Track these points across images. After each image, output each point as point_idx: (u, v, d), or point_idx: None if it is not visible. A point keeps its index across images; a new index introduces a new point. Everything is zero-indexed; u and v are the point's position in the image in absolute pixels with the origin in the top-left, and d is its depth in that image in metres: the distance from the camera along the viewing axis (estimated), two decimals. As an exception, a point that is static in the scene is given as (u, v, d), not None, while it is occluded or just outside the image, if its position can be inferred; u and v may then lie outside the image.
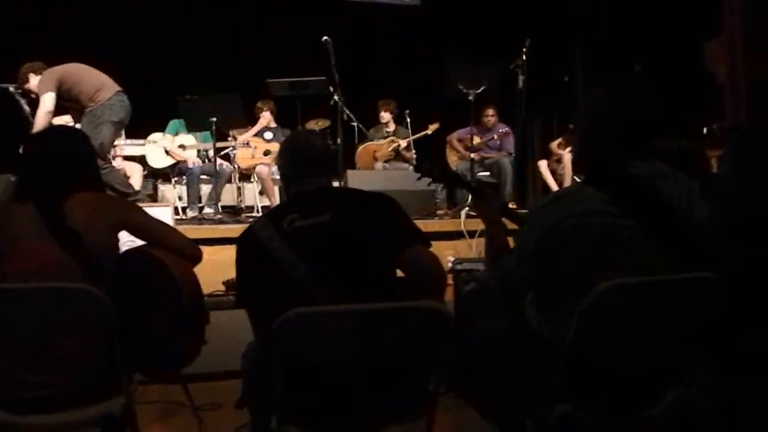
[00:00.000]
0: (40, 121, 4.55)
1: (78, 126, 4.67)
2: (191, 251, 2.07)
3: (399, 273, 1.90)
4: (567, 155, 6.49)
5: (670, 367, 1.72)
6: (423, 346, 1.65)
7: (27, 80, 4.79)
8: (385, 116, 6.86)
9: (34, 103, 5.04)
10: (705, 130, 5.41)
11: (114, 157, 5.93)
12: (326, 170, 2.02)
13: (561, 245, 1.66)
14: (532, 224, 1.74)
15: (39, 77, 4.71)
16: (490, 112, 6.81)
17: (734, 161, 2.22)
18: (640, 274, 1.62)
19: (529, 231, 1.74)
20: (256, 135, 6.39)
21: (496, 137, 6.75)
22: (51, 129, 2.58)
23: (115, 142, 5.65)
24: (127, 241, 2.07)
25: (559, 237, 1.66)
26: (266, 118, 6.41)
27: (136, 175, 5.96)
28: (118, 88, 4.80)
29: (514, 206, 6.18)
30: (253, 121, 6.37)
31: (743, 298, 1.79)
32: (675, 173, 1.72)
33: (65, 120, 5.08)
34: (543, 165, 6.82)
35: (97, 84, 4.72)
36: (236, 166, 6.26)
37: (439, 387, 1.76)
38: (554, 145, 6.83)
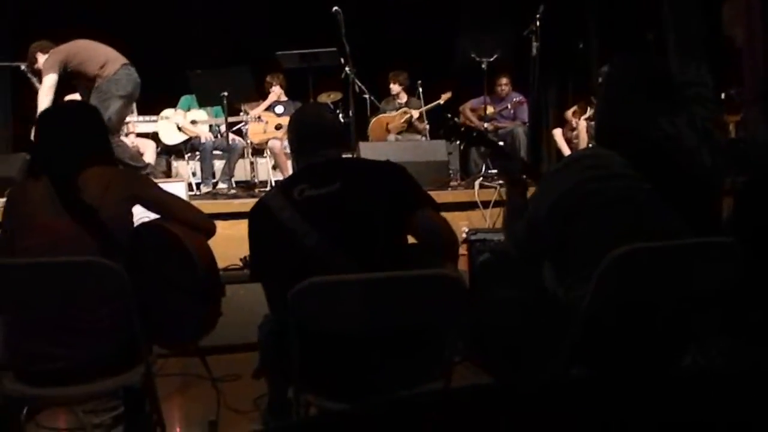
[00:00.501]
0: (41, 101, 4.54)
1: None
2: (206, 224, 2.08)
3: (411, 240, 1.91)
4: (582, 123, 6.41)
5: (686, 331, 1.71)
6: (437, 313, 1.66)
7: (35, 60, 4.77)
8: (395, 88, 6.80)
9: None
10: (723, 95, 5.32)
11: (127, 134, 5.94)
12: (336, 142, 2.02)
13: (578, 208, 1.65)
14: (548, 188, 1.73)
15: (46, 56, 4.71)
16: (504, 80, 6.72)
17: None
18: (659, 238, 1.61)
19: (544, 195, 1.72)
20: (267, 109, 6.37)
21: (509, 106, 6.68)
22: (63, 105, 2.58)
23: (128, 119, 5.66)
24: (142, 217, 2.08)
25: (575, 200, 1.65)
26: (276, 92, 6.38)
27: (149, 152, 5.98)
28: (123, 60, 4.75)
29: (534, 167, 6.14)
30: (264, 95, 6.35)
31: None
32: (695, 129, 1.69)
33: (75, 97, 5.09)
34: (558, 133, 6.75)
35: (103, 59, 4.68)
36: (248, 141, 6.25)
37: (455, 356, 1.77)
38: (569, 113, 6.75)
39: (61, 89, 4.80)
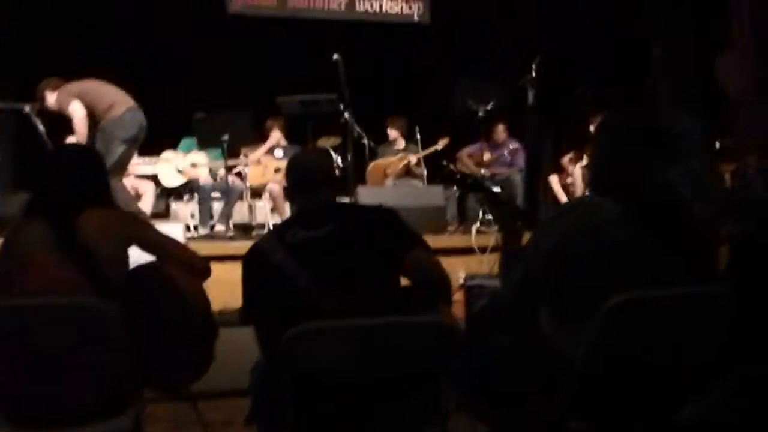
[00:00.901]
0: (80, 129, 4.60)
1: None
2: (201, 267, 2.09)
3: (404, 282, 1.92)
4: (578, 170, 6.47)
5: (685, 382, 1.70)
6: (433, 361, 1.65)
7: (44, 98, 4.80)
8: (393, 133, 6.87)
9: (52, 123, 5.11)
10: (717, 144, 5.39)
11: (126, 175, 5.98)
12: (330, 187, 2.06)
13: (574, 256, 1.65)
14: (544, 235, 1.73)
15: (55, 94, 4.74)
16: (501, 128, 6.81)
17: None
18: (654, 286, 1.61)
19: (540, 242, 1.73)
20: (266, 153, 6.42)
21: (506, 153, 6.75)
22: (63, 146, 2.61)
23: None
24: (138, 258, 2.08)
25: (571, 248, 1.66)
26: (276, 136, 6.45)
27: (148, 193, 5.99)
28: (131, 103, 4.78)
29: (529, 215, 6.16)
30: (264, 138, 6.42)
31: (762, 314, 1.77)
32: (692, 178, 1.71)
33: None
34: (554, 181, 6.80)
35: (110, 99, 4.72)
36: (247, 184, 6.29)
37: (450, 404, 1.75)
38: (565, 160, 6.82)
39: (62, 131, 4.85)
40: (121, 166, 4.88)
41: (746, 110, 3.67)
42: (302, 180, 2.03)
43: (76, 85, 4.77)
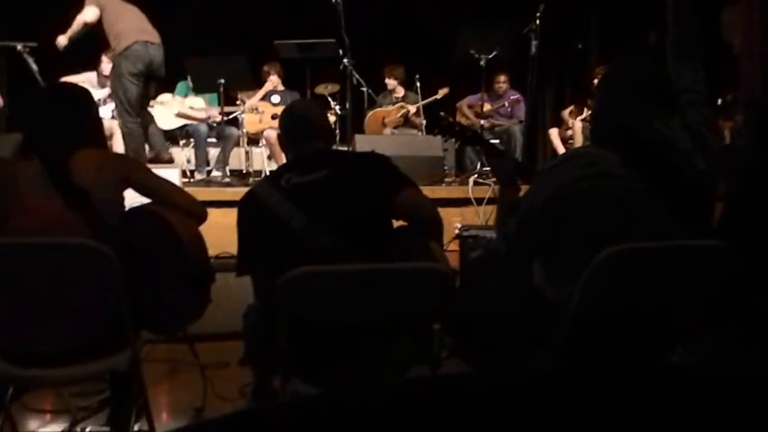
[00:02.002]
0: (74, 26, 4.61)
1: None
2: (197, 210, 2.08)
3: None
4: (578, 123, 6.42)
5: (673, 331, 1.72)
6: (426, 307, 1.67)
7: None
8: (391, 83, 6.78)
9: (45, 62, 5.03)
10: (719, 101, 5.34)
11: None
12: (323, 136, 2.08)
13: (570, 206, 1.65)
14: (541, 185, 1.73)
15: None
16: (502, 78, 6.72)
17: (752, 134, 2.21)
18: (650, 238, 1.61)
19: (538, 192, 1.73)
20: (263, 99, 6.34)
21: (507, 104, 6.68)
22: (55, 86, 2.56)
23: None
24: (134, 201, 2.07)
25: (568, 197, 1.65)
26: (273, 81, 6.35)
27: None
28: (143, 37, 4.68)
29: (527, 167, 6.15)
30: (261, 83, 6.33)
31: (750, 269, 1.78)
32: (690, 131, 1.71)
33: (80, 80, 5.07)
34: (554, 133, 6.76)
35: (121, 29, 4.63)
36: (244, 131, 6.24)
37: (443, 350, 1.78)
38: (566, 113, 6.76)
39: (56, 70, 4.77)
40: (133, 102, 4.76)
41: (751, 64, 3.61)
42: (296, 129, 2.05)
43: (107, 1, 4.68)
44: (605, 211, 1.64)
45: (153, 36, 4.78)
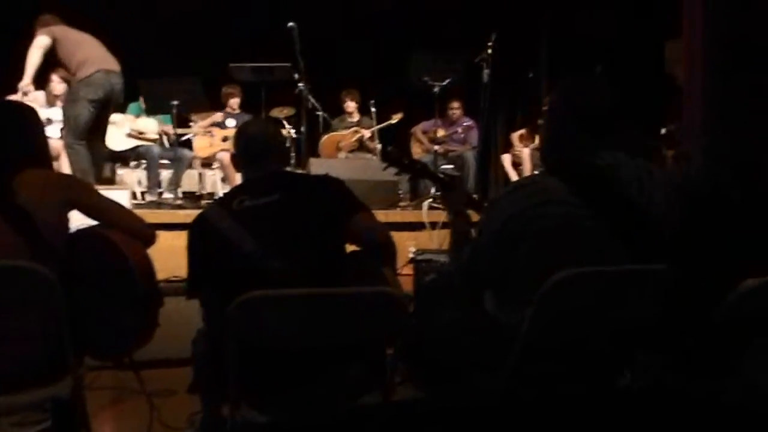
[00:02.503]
0: (30, 60, 4.58)
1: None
2: (145, 233, 2.03)
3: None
4: (526, 151, 6.57)
5: (621, 354, 1.75)
6: (378, 331, 1.66)
7: (33, 33, 4.71)
8: (351, 105, 6.83)
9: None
10: (663, 130, 5.53)
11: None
12: (277, 157, 2.07)
13: (522, 234, 1.68)
14: (493, 215, 1.76)
15: (38, 28, 4.66)
16: (455, 104, 6.84)
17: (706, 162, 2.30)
18: (597, 263, 1.65)
19: (491, 220, 1.75)
20: (216, 123, 6.30)
21: (460, 130, 6.79)
22: (7, 103, 2.48)
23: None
24: (81, 223, 2.02)
25: (520, 226, 1.68)
26: (233, 104, 6.34)
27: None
28: (108, 66, 4.73)
29: (477, 198, 6.24)
30: (215, 105, 6.29)
31: (694, 291, 1.83)
32: (635, 160, 1.76)
33: (27, 99, 4.97)
34: (506, 159, 6.89)
35: (84, 56, 4.65)
36: (194, 154, 6.18)
37: (396, 376, 1.77)
38: (515, 136, 6.90)
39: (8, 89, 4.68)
40: (82, 127, 4.77)
41: (693, 95, 3.76)
42: (249, 149, 2.03)
43: (60, 29, 4.67)
44: (554, 238, 1.67)
45: (114, 65, 4.85)
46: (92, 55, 4.70)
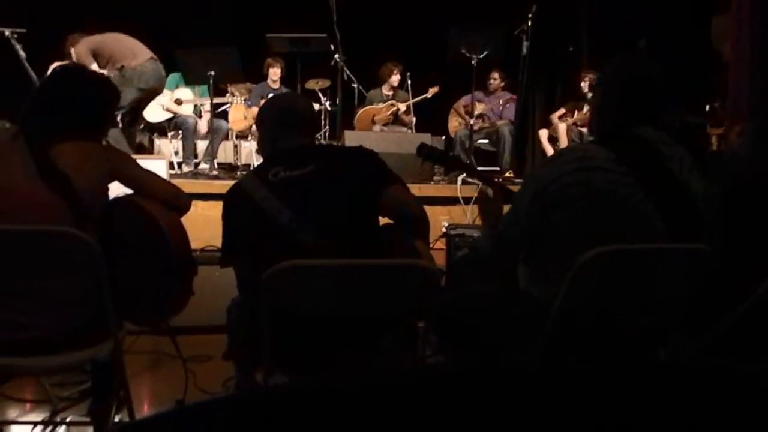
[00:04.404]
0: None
1: None
2: (181, 202, 2.06)
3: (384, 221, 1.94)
4: (562, 126, 6.45)
5: (656, 332, 1.73)
6: (411, 304, 1.67)
7: (70, 55, 4.98)
8: (396, 79, 6.72)
9: (33, 49, 5.02)
10: (708, 107, 5.38)
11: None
12: (308, 130, 2.07)
13: (560, 198, 1.67)
14: (531, 181, 1.75)
15: (74, 49, 4.87)
16: (496, 75, 6.72)
17: (755, 145, 2.24)
18: (637, 234, 1.63)
19: (528, 187, 1.74)
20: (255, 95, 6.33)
21: (501, 102, 6.69)
22: (68, 69, 2.35)
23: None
24: (118, 193, 2.05)
25: (557, 190, 1.67)
26: (275, 74, 6.36)
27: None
28: (151, 54, 4.91)
29: (512, 175, 6.17)
30: (251, 76, 6.30)
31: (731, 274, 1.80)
32: (676, 144, 1.73)
33: None
34: (543, 134, 6.78)
35: (133, 49, 4.85)
36: (230, 126, 6.22)
37: (428, 349, 1.78)
38: (555, 116, 6.78)
39: (44, 58, 4.78)
40: (130, 111, 4.99)
41: (739, 72, 3.65)
42: (282, 123, 2.02)
43: (93, 41, 4.85)
44: (592, 204, 1.65)
45: (152, 53, 5.00)
46: (139, 47, 4.91)
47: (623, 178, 1.64)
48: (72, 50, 4.93)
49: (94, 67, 4.70)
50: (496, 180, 2.21)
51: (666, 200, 1.66)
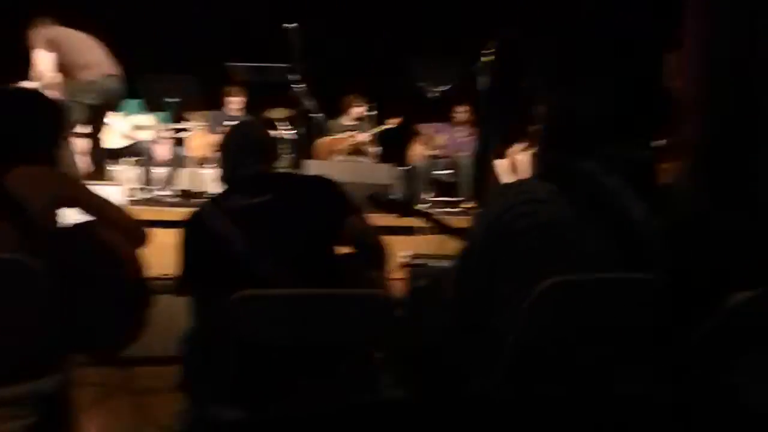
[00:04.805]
0: (38, 76, 4.51)
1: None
2: (137, 232, 2.03)
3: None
4: (520, 156, 6.57)
5: (611, 361, 1.76)
6: (367, 333, 1.67)
7: (28, 36, 4.65)
8: (357, 111, 6.75)
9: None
10: (656, 142, 5.55)
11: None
12: (269, 158, 2.08)
13: (512, 229, 1.69)
14: (479, 220, 1.77)
15: (32, 31, 4.59)
16: (461, 109, 6.83)
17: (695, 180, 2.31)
18: (582, 264, 1.66)
19: (476, 228, 1.76)
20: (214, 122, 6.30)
21: (459, 140, 6.80)
22: (14, 91, 2.31)
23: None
24: (74, 220, 2.01)
25: (511, 220, 1.69)
26: (237, 104, 6.34)
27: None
28: (110, 71, 4.71)
29: (474, 205, 6.24)
30: (211, 103, 6.29)
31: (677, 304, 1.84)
32: (617, 176, 1.77)
33: None
34: (500, 164, 6.88)
35: (83, 62, 4.62)
36: (189, 153, 6.18)
37: (388, 379, 1.77)
38: (515, 151, 6.89)
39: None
40: (73, 128, 4.75)
41: (689, 109, 3.78)
42: (241, 151, 2.03)
43: (57, 31, 4.60)
44: (538, 237, 1.68)
45: (114, 68, 4.82)
46: (93, 60, 4.69)
47: (566, 210, 1.67)
48: (31, 31, 4.64)
49: (45, 58, 4.45)
50: (443, 222, 2.26)
51: (608, 229, 1.70)
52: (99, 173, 5.26)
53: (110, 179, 6.23)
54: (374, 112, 6.79)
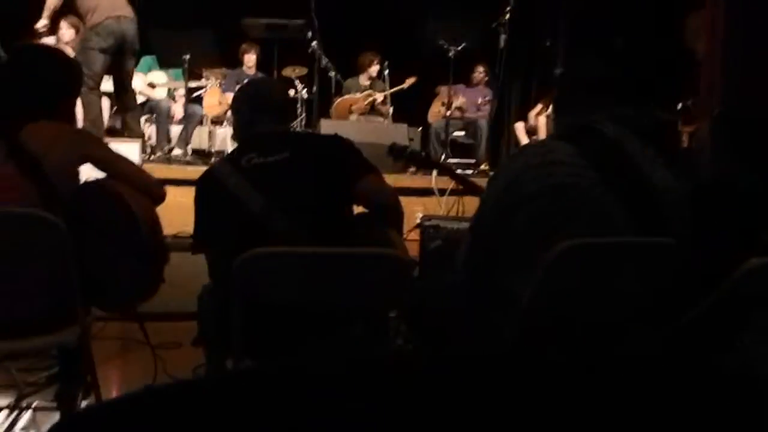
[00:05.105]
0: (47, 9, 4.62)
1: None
2: (155, 190, 2.04)
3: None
4: (542, 119, 6.49)
5: (622, 325, 1.76)
6: (382, 293, 1.67)
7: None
8: (375, 69, 6.68)
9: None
10: (680, 105, 5.45)
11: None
12: (284, 117, 2.07)
13: (527, 191, 1.68)
14: (502, 174, 1.76)
15: None
16: (480, 68, 6.74)
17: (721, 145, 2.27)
18: (599, 227, 1.65)
19: (498, 180, 1.75)
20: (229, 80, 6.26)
21: (480, 100, 6.72)
22: (31, 48, 2.34)
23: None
24: (90, 177, 2.02)
25: (526, 182, 1.68)
26: (250, 60, 6.27)
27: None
28: (115, 13, 4.65)
29: (487, 167, 6.21)
30: (227, 61, 6.23)
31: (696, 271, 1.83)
32: (638, 139, 1.75)
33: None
34: (519, 127, 6.81)
35: (93, 4, 4.60)
36: (204, 112, 6.15)
37: (398, 339, 1.79)
38: (532, 113, 6.82)
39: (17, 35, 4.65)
40: (95, 75, 4.73)
41: (712, 70, 3.70)
42: (257, 109, 2.00)
43: None
44: (555, 198, 1.67)
45: (126, 10, 4.76)
46: (102, 2, 4.64)
47: (585, 172, 1.66)
48: None
49: None
50: (465, 178, 2.24)
51: (628, 193, 1.68)
52: (125, 129, 5.22)
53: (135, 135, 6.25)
54: (391, 72, 6.70)
